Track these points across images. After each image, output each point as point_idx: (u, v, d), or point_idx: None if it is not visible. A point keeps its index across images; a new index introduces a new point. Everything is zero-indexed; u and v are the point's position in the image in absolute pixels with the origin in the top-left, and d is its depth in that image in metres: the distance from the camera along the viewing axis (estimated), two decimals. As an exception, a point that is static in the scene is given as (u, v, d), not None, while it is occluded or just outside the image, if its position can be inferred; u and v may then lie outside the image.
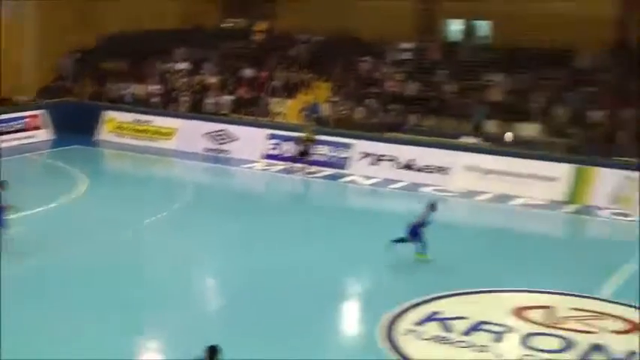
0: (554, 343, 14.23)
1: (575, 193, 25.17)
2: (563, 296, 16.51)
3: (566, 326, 15.00)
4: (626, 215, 23.78)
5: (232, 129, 30.59)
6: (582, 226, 24.42)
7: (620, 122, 27.51)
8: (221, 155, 30.25)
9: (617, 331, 14.96)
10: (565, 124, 28.06)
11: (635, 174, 24.40)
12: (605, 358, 13.79)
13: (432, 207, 18.59)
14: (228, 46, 36.32)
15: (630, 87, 28.61)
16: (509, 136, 25.70)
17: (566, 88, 29.40)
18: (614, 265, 18.72)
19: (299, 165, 28.21)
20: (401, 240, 18.44)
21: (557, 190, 25.25)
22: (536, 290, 16.85)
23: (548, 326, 15.02)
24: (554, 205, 24.72)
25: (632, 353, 13.90)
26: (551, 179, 25.41)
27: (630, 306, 16.01)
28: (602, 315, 15.60)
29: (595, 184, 25.03)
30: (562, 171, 25.41)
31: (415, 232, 18.34)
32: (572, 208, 24.67)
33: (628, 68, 29.04)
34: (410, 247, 18.32)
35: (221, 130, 30.67)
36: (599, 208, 24.36)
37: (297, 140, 28.59)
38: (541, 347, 14.09)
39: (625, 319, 15.43)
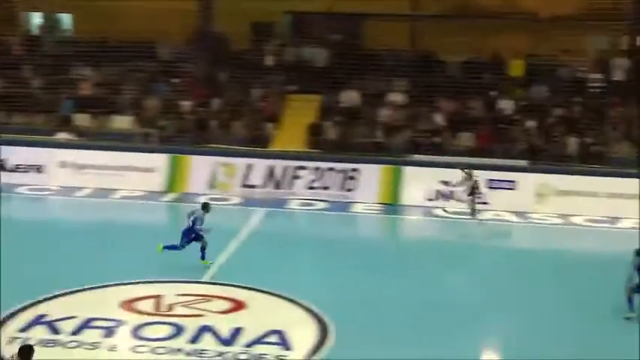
0: (164, 331, 14.37)
1: (172, 182, 25.69)
2: (170, 284, 16.75)
3: (174, 312, 15.25)
4: (224, 200, 24.81)
5: None
6: (183, 213, 24.82)
7: (210, 111, 28.57)
8: None
9: (223, 311, 15.50)
10: (157, 114, 28.46)
11: (229, 159, 25.54)
12: (213, 338, 14.21)
13: (205, 208, 17.91)
14: None
15: (217, 77, 29.82)
16: None
17: (154, 79, 29.82)
18: (217, 247, 19.23)
19: None
20: (173, 247, 17.73)
21: (155, 181, 25.59)
22: (144, 281, 16.89)
23: (157, 315, 15.15)
24: (154, 195, 25.02)
25: (238, 329, 14.50)
26: (149, 170, 25.68)
27: (233, 285, 16.69)
28: (208, 297, 16.07)
29: (191, 172, 25.74)
30: (158, 161, 25.77)
31: (188, 236, 17.68)
32: (170, 196, 25.16)
33: (212, 58, 30.21)
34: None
35: None
36: (198, 195, 25.13)
37: None
38: (152, 336, 14.15)
39: (229, 299, 16.04)
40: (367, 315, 15.52)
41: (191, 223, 17.88)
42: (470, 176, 22.71)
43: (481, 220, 22.94)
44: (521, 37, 29.89)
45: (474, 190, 22.71)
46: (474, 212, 22.73)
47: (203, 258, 17.84)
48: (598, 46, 30.15)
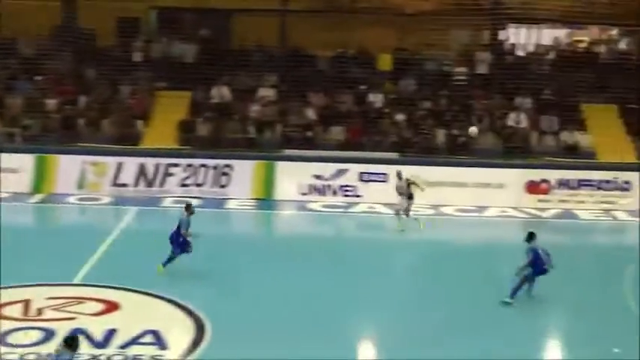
0: (33, 336, 13.93)
1: (39, 183, 24.93)
2: (39, 287, 16.23)
3: (44, 317, 14.80)
4: (94, 200, 24.25)
5: None
6: (51, 214, 24.31)
7: (77, 109, 27.81)
8: None
9: (96, 313, 15.17)
10: (20, 113, 27.49)
11: (98, 158, 25.00)
12: (86, 341, 13.85)
13: (188, 209, 17.25)
14: None
15: (83, 73, 29.05)
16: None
17: (15, 76, 28.79)
18: (89, 248, 18.88)
19: None
20: (170, 260, 17.22)
21: (22, 182, 24.76)
22: (10, 285, 16.24)
23: (26, 320, 14.66)
24: (20, 196, 24.21)
25: (112, 331, 14.19)
26: (14, 171, 24.78)
27: (106, 286, 16.33)
28: (79, 299, 15.69)
29: (58, 172, 25.03)
30: (24, 162, 24.92)
31: (177, 241, 17.09)
32: (38, 198, 24.42)
33: (77, 55, 29.39)
34: None
35: None
36: (67, 195, 24.47)
37: None
38: (20, 342, 13.69)
39: (102, 300, 15.69)
40: (244, 312, 15.45)
41: (176, 227, 17.31)
42: (399, 178, 22.10)
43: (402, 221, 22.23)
44: (389, 32, 30.41)
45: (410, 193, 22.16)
46: (399, 213, 22.13)
47: (164, 264, 17.33)
48: (461, 41, 31.02)
